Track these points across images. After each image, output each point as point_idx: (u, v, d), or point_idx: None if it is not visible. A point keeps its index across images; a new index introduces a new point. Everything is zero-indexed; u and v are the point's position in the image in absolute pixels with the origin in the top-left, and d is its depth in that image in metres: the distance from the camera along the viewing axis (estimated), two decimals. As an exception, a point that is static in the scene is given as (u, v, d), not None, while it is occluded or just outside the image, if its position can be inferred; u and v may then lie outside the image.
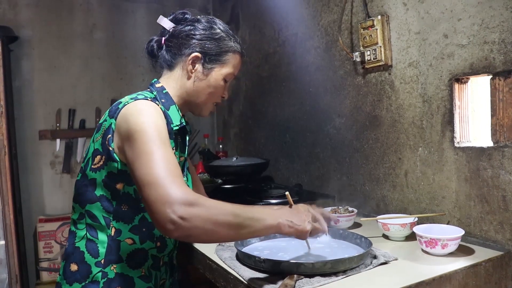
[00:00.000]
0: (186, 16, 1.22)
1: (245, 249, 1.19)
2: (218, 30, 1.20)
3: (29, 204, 2.64)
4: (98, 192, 1.07)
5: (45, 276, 2.50)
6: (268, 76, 2.45)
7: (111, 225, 1.07)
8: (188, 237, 0.90)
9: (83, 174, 1.11)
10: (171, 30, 1.21)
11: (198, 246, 1.33)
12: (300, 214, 1.05)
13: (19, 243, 2.30)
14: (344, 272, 1.03)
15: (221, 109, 3.07)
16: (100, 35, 2.82)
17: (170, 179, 0.88)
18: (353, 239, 1.25)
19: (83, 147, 2.77)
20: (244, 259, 1.12)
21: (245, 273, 1.06)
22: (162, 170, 0.89)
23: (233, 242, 1.20)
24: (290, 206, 1.11)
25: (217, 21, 1.23)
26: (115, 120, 1.03)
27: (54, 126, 2.70)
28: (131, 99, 1.07)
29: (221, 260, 1.18)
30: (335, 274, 1.02)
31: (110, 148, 1.03)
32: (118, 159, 1.03)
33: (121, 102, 1.07)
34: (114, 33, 2.86)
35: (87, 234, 1.08)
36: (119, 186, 1.06)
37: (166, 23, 1.22)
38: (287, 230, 1.00)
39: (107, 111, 1.10)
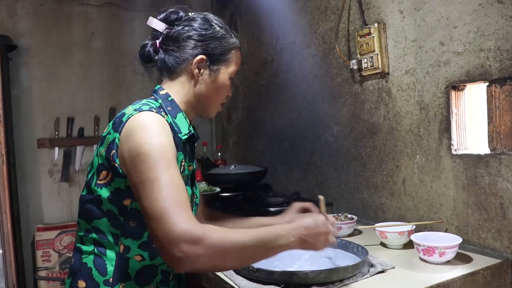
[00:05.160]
0: (181, 15, 1.13)
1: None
2: (218, 28, 1.14)
3: (27, 213, 2.63)
4: (105, 207, 1.03)
5: (43, 285, 2.48)
6: (266, 84, 2.45)
7: (120, 242, 1.03)
8: (196, 271, 0.89)
9: (88, 189, 1.06)
10: (165, 32, 1.13)
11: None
12: (318, 229, 0.99)
13: (16, 252, 2.29)
14: (341, 281, 1.02)
15: (219, 117, 3.07)
16: (98, 43, 2.83)
17: (176, 211, 0.84)
18: (350, 248, 1.25)
19: (82, 155, 2.77)
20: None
21: (242, 283, 1.05)
22: (167, 202, 0.85)
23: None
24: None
25: (212, 17, 1.16)
26: (119, 134, 0.98)
27: (53, 135, 2.70)
28: (135, 110, 1.01)
29: (218, 269, 1.17)
30: (332, 283, 1.01)
31: (116, 165, 0.99)
32: (124, 175, 0.99)
33: (125, 114, 1.01)
34: (112, 41, 2.87)
35: (95, 249, 1.04)
36: (126, 202, 1.02)
37: (157, 24, 1.13)
38: (299, 246, 0.96)
39: (111, 123, 1.04)
